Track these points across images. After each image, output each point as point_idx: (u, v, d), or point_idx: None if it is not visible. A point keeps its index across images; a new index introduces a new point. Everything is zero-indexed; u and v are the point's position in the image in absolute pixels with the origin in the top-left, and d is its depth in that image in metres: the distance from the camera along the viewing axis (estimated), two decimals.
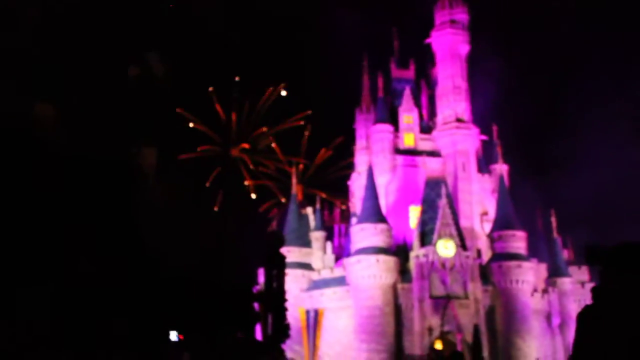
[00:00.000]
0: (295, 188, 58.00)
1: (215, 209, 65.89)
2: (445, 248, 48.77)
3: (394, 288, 49.40)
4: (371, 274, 49.00)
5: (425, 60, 62.11)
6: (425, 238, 49.73)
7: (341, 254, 54.69)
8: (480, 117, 58.83)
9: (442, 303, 47.64)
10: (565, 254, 58.06)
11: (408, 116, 58.04)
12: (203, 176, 68.23)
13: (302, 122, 74.48)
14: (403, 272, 49.81)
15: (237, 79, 71.47)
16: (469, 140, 56.43)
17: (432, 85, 60.77)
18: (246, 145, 72.61)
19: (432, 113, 59.45)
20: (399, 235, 52.32)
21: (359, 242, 50.28)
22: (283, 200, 69.44)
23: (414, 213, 53.67)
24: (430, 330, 47.05)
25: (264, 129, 72.86)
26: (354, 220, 53.87)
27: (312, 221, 56.20)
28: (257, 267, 47.84)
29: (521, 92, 77.67)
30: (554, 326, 53.72)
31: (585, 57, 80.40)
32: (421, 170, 54.99)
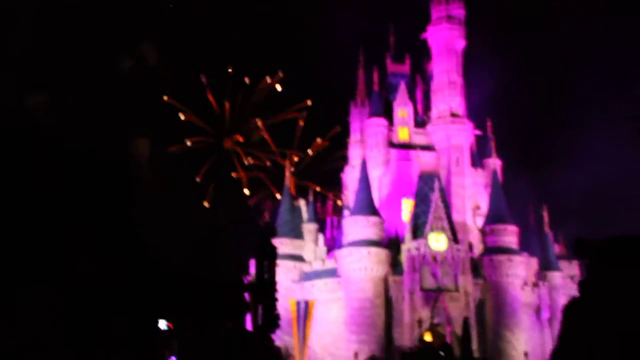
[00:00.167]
0: (289, 180, 58.03)
1: (207, 200, 65.90)
2: (437, 241, 49.01)
3: (385, 280, 49.62)
4: (362, 266, 49.19)
5: (420, 55, 62.19)
6: (418, 231, 49.94)
7: (333, 246, 54.82)
8: (475, 112, 59.04)
9: (432, 296, 47.90)
10: (556, 249, 58.39)
11: (403, 110, 58.10)
12: (196, 168, 68.01)
13: (298, 114, 74.16)
14: (394, 265, 50.04)
15: (230, 69, 71.14)
16: (463, 134, 56.58)
17: (427, 79, 60.83)
18: (240, 138, 72.35)
19: (427, 107, 59.54)
20: (391, 228, 52.50)
21: (351, 235, 50.42)
22: (276, 192, 69.36)
23: (407, 206, 53.84)
24: (420, 322, 47.32)
25: (259, 121, 72.57)
26: (346, 212, 54.00)
27: (304, 213, 56.27)
28: (248, 258, 47.91)
29: (516, 88, 77.85)
30: (544, 320, 54.07)
31: (580, 53, 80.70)
32: (415, 164, 55.13)
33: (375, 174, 54.90)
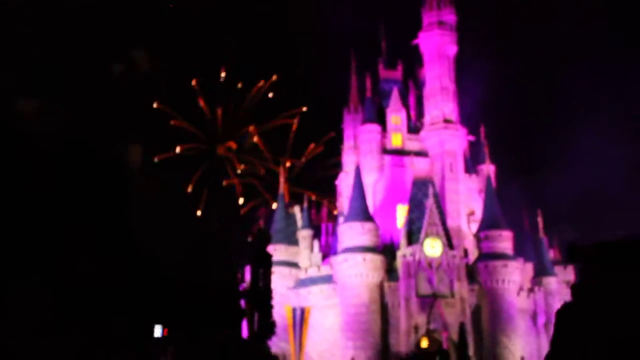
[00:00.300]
0: (283, 187, 58.04)
1: (201, 207, 65.73)
2: (432, 247, 49.03)
3: (381, 287, 49.61)
4: (358, 273, 49.19)
5: (413, 61, 62.32)
6: (412, 237, 49.95)
7: (328, 252, 54.82)
8: (468, 118, 59.20)
9: (428, 302, 47.89)
10: (551, 254, 58.48)
11: (396, 116, 58.23)
12: (188, 174, 67.83)
13: (292, 120, 74.08)
14: (390, 271, 50.05)
15: (222, 74, 70.98)
16: (456, 140, 56.73)
17: (419, 85, 61.00)
18: (232, 144, 72.18)
19: (420, 113, 59.68)
20: (386, 234, 52.53)
21: (346, 241, 50.44)
22: (270, 199, 69.30)
23: (401, 212, 53.87)
24: (416, 328, 47.30)
25: (251, 127, 72.48)
26: (341, 219, 54.02)
27: (299, 220, 56.27)
28: (243, 265, 47.88)
29: (509, 93, 78.07)
30: (540, 325, 54.11)
31: (571, 57, 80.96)
32: (409, 170, 55.20)
33: (369, 180, 54.97)
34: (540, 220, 58.46)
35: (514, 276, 51.59)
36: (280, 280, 48.59)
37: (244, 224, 64.38)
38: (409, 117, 59.21)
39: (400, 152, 57.12)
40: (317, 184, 71.22)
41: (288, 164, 70.81)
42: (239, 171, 72.28)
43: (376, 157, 56.41)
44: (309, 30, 73.22)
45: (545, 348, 52.79)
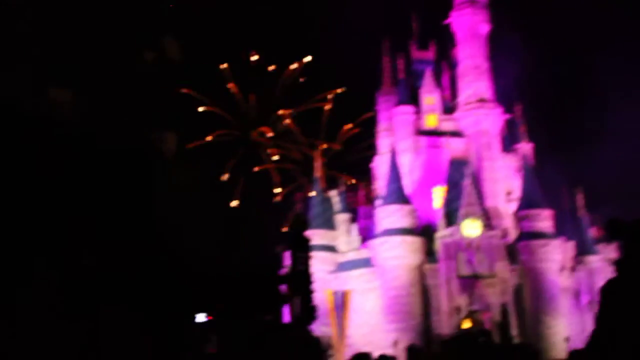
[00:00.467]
0: (319, 172, 58.10)
1: (237, 194, 66.13)
2: (471, 228, 48.77)
3: (420, 268, 49.51)
4: (397, 255, 49.17)
5: (445, 41, 61.59)
6: (451, 218, 49.72)
7: (366, 235, 54.80)
8: (504, 96, 58.26)
9: (469, 283, 47.68)
10: (594, 232, 57.55)
11: (430, 97, 57.72)
12: (221, 161, 67.81)
13: (326, 104, 73.19)
14: (429, 253, 49.90)
15: (254, 57, 70.43)
16: (492, 119, 56.02)
17: (453, 65, 60.30)
18: (267, 129, 71.97)
19: (454, 94, 59.09)
20: (423, 216, 52.34)
21: (384, 224, 50.42)
22: (306, 184, 69.18)
23: (438, 194, 53.59)
24: (458, 309, 47.18)
25: (285, 111, 71.91)
26: (378, 202, 53.94)
27: (336, 204, 56.36)
28: (282, 251, 48.14)
29: (545, 69, 76.61)
30: (583, 304, 53.41)
31: (612, 30, 79.01)
32: (444, 150, 54.79)
33: (405, 162, 54.69)
34: (580, 198, 57.56)
35: (555, 255, 50.98)
36: (319, 265, 48.76)
37: (280, 209, 64.56)
38: (443, 98, 58.67)
39: (435, 133, 56.66)
40: (352, 167, 70.76)
41: (323, 147, 70.17)
42: (274, 157, 72.21)
43: (411, 138, 56.07)
44: (340, 13, 72.63)
45: (589, 327, 52.10)
